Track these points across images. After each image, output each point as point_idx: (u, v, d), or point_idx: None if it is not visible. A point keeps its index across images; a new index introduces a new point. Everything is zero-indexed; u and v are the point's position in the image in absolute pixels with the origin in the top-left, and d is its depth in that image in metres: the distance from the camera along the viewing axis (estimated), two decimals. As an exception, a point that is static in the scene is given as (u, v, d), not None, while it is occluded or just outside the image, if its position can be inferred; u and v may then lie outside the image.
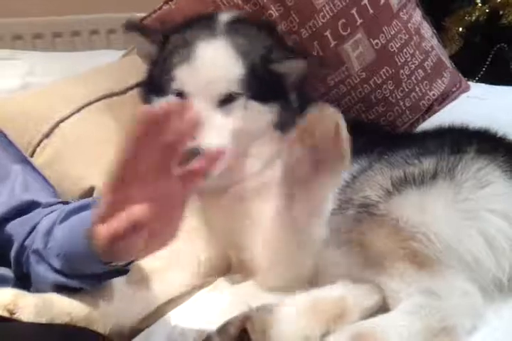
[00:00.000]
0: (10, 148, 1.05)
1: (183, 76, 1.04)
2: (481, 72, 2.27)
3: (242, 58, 1.06)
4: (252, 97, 1.05)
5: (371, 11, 1.35)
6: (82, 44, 2.14)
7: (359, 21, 1.33)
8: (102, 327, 0.89)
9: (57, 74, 1.43)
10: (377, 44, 1.36)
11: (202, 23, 1.12)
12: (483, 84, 1.79)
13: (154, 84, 1.10)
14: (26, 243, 0.95)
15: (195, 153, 0.87)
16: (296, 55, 1.12)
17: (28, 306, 0.81)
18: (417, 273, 0.85)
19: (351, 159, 0.87)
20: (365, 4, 1.34)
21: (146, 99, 1.11)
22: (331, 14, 1.31)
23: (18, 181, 1.01)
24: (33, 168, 1.06)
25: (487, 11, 2.18)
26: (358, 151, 0.98)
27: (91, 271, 0.85)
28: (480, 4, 2.17)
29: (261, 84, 1.06)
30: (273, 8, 1.28)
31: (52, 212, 0.97)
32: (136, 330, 0.98)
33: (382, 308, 0.89)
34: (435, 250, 0.86)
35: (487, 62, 2.28)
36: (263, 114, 1.07)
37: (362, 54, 1.35)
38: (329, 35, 1.31)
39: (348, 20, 1.32)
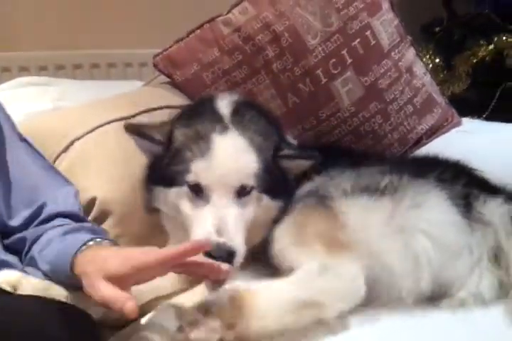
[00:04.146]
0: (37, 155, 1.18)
1: (200, 169, 1.06)
2: (489, 110, 2.35)
3: (255, 153, 1.10)
4: (264, 191, 1.10)
5: (361, 52, 1.47)
6: (117, 75, 2.31)
7: (349, 61, 1.45)
8: (92, 314, 0.97)
9: (83, 100, 1.54)
10: (366, 81, 1.48)
11: (208, 111, 1.16)
12: (476, 120, 1.88)
13: (161, 175, 1.12)
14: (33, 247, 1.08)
15: (220, 249, 0.98)
16: (303, 153, 1.19)
17: (29, 286, 0.96)
18: (326, 253, 0.96)
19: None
20: (356, 45, 1.46)
21: (150, 188, 1.15)
22: (323, 54, 1.44)
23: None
24: (56, 173, 1.18)
25: (492, 51, 2.28)
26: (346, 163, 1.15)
27: (69, 282, 0.99)
28: (485, 46, 2.27)
29: (271, 178, 1.11)
30: (269, 49, 1.42)
31: (63, 225, 1.08)
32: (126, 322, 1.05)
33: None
34: (355, 241, 0.97)
35: (494, 101, 2.36)
36: (272, 209, 1.12)
37: (351, 90, 1.46)
38: (320, 73, 1.44)
39: (338, 60, 1.44)
